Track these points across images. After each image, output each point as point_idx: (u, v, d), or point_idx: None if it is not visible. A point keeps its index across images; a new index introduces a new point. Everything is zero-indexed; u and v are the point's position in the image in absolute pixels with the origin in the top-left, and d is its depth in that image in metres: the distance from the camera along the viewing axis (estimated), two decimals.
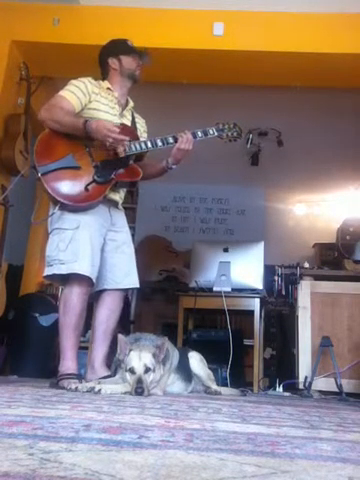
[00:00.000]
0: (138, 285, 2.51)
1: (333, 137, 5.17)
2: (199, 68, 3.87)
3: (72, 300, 2.25)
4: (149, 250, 5.71)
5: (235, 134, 2.55)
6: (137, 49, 2.56)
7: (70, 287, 2.27)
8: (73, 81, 2.40)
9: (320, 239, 6.36)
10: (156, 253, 5.91)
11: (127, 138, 2.31)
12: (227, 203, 7.02)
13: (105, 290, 2.44)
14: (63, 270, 2.23)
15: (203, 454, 0.72)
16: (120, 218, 2.52)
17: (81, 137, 2.28)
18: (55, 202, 2.27)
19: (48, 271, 2.28)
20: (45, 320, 3.71)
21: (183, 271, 5.48)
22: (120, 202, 2.52)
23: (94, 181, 2.27)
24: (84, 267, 2.23)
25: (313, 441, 0.93)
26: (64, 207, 2.27)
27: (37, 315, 3.71)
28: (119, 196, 2.50)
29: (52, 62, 3.93)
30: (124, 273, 2.45)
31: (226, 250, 3.55)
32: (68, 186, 2.26)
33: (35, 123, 4.13)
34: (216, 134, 2.50)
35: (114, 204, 2.48)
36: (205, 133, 2.47)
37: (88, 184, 2.26)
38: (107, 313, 2.44)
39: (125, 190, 2.57)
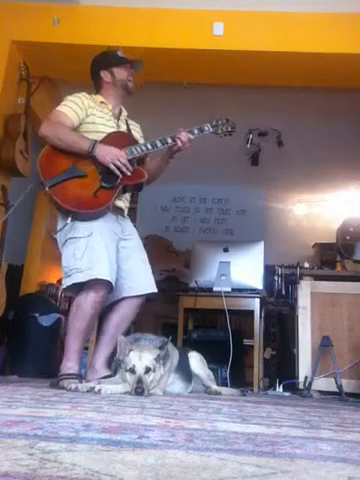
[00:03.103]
0: (156, 289, 2.50)
1: (333, 137, 5.17)
2: (199, 68, 3.87)
3: (86, 306, 2.24)
4: (149, 250, 5.67)
5: (229, 128, 2.57)
6: (128, 59, 2.57)
7: (86, 293, 2.25)
8: (69, 97, 2.44)
9: (320, 239, 6.35)
10: (156, 253, 5.90)
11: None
12: (227, 203, 7.02)
13: (123, 298, 2.43)
14: (81, 278, 2.22)
15: (203, 454, 0.72)
16: (128, 226, 2.54)
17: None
18: (66, 213, 2.29)
19: (67, 282, 2.28)
20: (45, 320, 3.71)
21: (183, 271, 5.49)
22: (126, 210, 2.54)
23: (101, 187, 2.30)
24: (102, 271, 2.23)
25: (313, 441, 0.93)
26: (76, 216, 2.29)
27: (37, 315, 3.70)
28: (124, 204, 2.51)
29: (52, 62, 3.93)
30: (140, 279, 2.46)
31: (226, 250, 3.55)
32: (77, 195, 2.28)
33: (35, 123, 4.13)
34: (212, 130, 2.53)
35: (120, 212, 2.50)
36: (201, 130, 2.50)
37: (96, 191, 2.29)
38: (119, 319, 2.42)
39: (129, 198, 2.59)
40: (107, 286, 2.26)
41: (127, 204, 2.55)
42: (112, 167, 2.28)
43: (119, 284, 2.38)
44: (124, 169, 2.30)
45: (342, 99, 4.49)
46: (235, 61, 3.77)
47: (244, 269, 3.48)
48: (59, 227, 2.35)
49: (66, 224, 2.29)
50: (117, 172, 2.29)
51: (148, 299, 2.56)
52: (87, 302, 2.24)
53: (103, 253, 2.26)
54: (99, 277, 2.21)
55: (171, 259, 6.03)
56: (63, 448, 0.70)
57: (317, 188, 6.56)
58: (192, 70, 3.89)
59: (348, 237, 3.65)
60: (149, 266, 2.53)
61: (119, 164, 2.28)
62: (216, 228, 6.96)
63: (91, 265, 2.22)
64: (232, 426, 1.10)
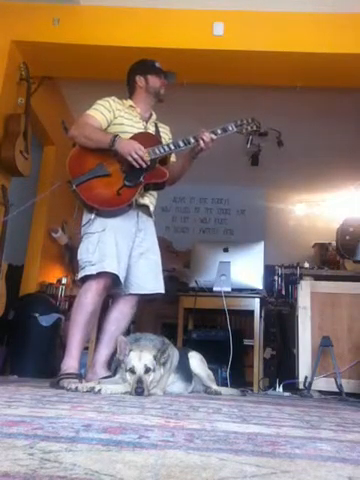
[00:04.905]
0: (163, 290, 2.56)
1: (333, 137, 5.17)
2: (199, 68, 3.87)
3: (86, 298, 2.33)
4: None
5: (254, 127, 2.65)
6: (163, 70, 2.69)
7: (88, 285, 2.35)
8: (99, 101, 2.56)
9: (320, 239, 6.35)
10: None
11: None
12: (227, 203, 7.02)
13: (125, 295, 2.50)
14: (93, 270, 2.32)
15: (203, 454, 0.72)
16: (148, 225, 2.59)
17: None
18: (90, 209, 2.40)
19: (81, 274, 2.38)
20: (45, 320, 3.70)
21: (183, 271, 5.48)
22: (151, 207, 2.59)
23: (124, 185, 2.39)
24: (111, 265, 2.32)
25: (313, 441, 0.93)
26: (99, 213, 2.39)
27: (37, 315, 3.70)
28: (149, 200, 2.57)
29: (52, 62, 3.93)
30: (147, 279, 2.52)
31: (226, 250, 3.55)
32: (101, 193, 2.39)
33: (35, 123, 4.13)
34: (235, 130, 2.58)
35: (144, 210, 2.55)
36: (224, 130, 2.54)
37: (119, 189, 2.38)
38: (118, 317, 2.49)
39: (155, 195, 2.64)
40: (111, 280, 2.35)
41: (152, 201, 2.61)
42: (129, 158, 2.35)
43: (127, 280, 2.46)
44: (140, 161, 2.36)
45: (342, 99, 4.49)
46: (235, 61, 3.77)
47: (244, 269, 3.48)
48: (84, 222, 2.45)
49: (90, 220, 2.40)
50: (134, 164, 2.36)
51: (149, 299, 2.59)
52: (87, 293, 2.34)
53: (113, 249, 2.35)
54: (108, 270, 2.31)
55: (171, 259, 6.01)
56: (63, 448, 0.70)
57: (317, 188, 6.57)
58: (192, 70, 3.89)
59: (348, 237, 3.65)
60: (160, 268, 2.59)
61: (136, 156, 2.35)
62: (216, 228, 6.96)
63: (102, 259, 2.32)
64: (232, 426, 1.10)
